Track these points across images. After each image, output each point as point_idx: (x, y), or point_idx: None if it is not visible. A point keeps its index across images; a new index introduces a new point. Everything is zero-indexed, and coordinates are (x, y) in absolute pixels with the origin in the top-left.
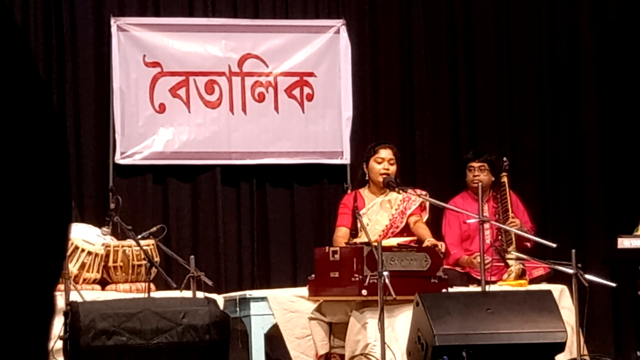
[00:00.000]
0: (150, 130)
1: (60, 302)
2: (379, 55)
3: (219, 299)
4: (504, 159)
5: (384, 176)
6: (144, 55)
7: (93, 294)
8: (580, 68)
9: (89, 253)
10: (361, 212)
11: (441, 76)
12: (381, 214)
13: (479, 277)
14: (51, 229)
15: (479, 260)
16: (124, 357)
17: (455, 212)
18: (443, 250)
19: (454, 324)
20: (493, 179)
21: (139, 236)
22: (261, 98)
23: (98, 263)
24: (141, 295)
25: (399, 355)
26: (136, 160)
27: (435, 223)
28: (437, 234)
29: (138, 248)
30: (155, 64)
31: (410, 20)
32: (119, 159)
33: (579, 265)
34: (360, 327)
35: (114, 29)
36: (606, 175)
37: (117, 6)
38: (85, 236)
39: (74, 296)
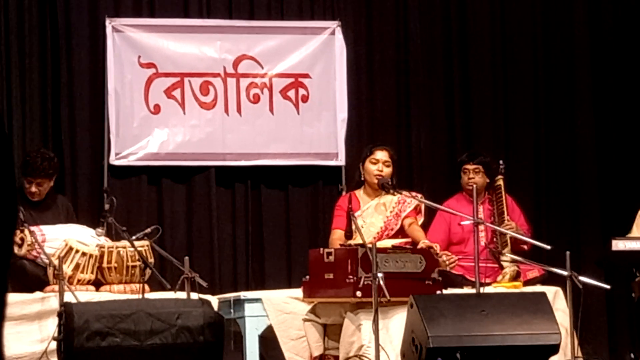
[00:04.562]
0: (145, 132)
1: (54, 303)
2: (375, 57)
3: (213, 300)
4: (500, 162)
5: (378, 177)
6: (139, 56)
7: (87, 295)
8: (575, 71)
9: (84, 254)
10: (356, 214)
11: (437, 78)
12: (376, 216)
13: (473, 279)
14: None
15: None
16: (118, 358)
17: (444, 214)
18: (438, 251)
19: (448, 325)
20: (488, 180)
21: (134, 237)
22: (256, 99)
23: (92, 264)
24: (135, 296)
25: (393, 356)
26: (131, 161)
27: (430, 226)
28: None
29: (132, 249)
30: (150, 65)
31: (406, 21)
32: (113, 160)
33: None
34: (354, 329)
35: (109, 30)
36: (601, 178)
37: (112, 7)
38: (80, 237)
39: (68, 297)
